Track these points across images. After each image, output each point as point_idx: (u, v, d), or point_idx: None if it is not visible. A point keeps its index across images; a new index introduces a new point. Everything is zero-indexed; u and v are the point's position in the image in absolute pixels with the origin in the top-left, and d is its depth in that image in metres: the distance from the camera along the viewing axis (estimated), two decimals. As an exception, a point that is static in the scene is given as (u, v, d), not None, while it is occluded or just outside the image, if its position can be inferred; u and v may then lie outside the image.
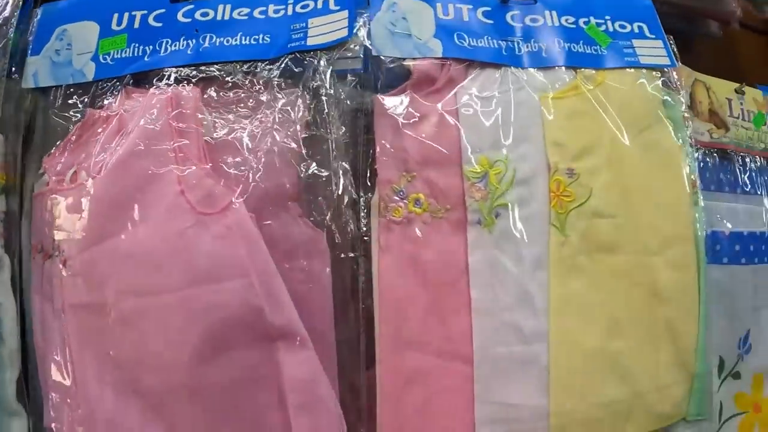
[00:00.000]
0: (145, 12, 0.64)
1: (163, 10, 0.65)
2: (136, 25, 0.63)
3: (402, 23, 0.64)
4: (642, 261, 0.63)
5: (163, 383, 0.50)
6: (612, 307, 0.62)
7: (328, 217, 0.57)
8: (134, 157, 0.53)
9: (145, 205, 0.52)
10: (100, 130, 0.57)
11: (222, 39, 0.62)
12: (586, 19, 0.70)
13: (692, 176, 0.67)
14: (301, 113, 0.58)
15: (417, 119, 0.62)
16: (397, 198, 0.62)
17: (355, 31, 0.61)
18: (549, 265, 0.61)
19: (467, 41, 0.67)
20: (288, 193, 0.57)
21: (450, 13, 0.68)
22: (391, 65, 0.64)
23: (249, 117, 0.58)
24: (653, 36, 0.70)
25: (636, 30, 0.70)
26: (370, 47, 0.61)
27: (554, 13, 0.70)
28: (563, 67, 0.67)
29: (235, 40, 0.62)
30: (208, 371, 0.50)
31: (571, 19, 0.70)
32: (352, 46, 0.61)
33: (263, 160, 0.56)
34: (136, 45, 0.62)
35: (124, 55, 0.63)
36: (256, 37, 0.62)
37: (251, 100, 0.59)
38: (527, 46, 0.68)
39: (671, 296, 0.62)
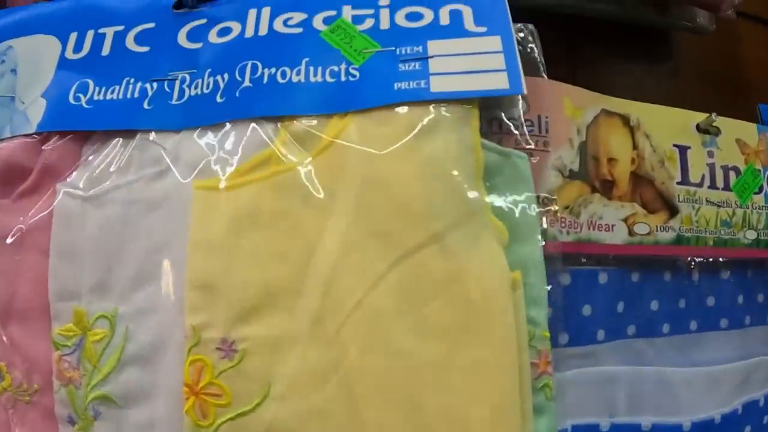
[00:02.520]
0: None
1: None
2: None
3: (8, 79, 0.34)
4: None
5: None
6: None
7: None
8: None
9: None
10: None
11: None
12: (330, 13, 0.30)
13: (538, 348, 0.27)
14: None
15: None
16: (-28, 367, 0.30)
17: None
18: None
19: (91, 93, 0.31)
20: None
21: (85, 47, 0.33)
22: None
23: None
24: (482, 29, 0.29)
25: (443, 20, 0.29)
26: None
27: (266, 10, 0.31)
28: (263, 121, 0.29)
29: None
30: None
31: (299, 17, 0.30)
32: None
33: None
34: None
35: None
36: None
37: None
38: (197, 87, 0.30)
39: None
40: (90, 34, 0.33)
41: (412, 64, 0.28)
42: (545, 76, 0.29)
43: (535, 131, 0.29)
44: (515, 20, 0.29)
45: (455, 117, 0.27)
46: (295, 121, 0.28)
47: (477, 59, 0.28)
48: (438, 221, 0.26)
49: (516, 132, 0.28)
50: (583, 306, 0.32)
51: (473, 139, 0.27)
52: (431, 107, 0.27)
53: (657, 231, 0.33)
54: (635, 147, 0.34)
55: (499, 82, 0.27)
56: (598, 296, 0.33)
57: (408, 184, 0.26)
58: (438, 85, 0.27)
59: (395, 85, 0.27)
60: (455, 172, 0.26)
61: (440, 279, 0.26)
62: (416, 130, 0.26)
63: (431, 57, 0.28)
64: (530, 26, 0.30)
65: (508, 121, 0.28)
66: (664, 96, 0.39)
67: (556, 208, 0.29)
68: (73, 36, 0.33)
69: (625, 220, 0.33)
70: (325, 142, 0.27)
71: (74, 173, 0.30)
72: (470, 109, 0.27)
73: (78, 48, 0.33)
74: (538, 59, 0.29)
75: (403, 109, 0.27)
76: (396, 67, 0.28)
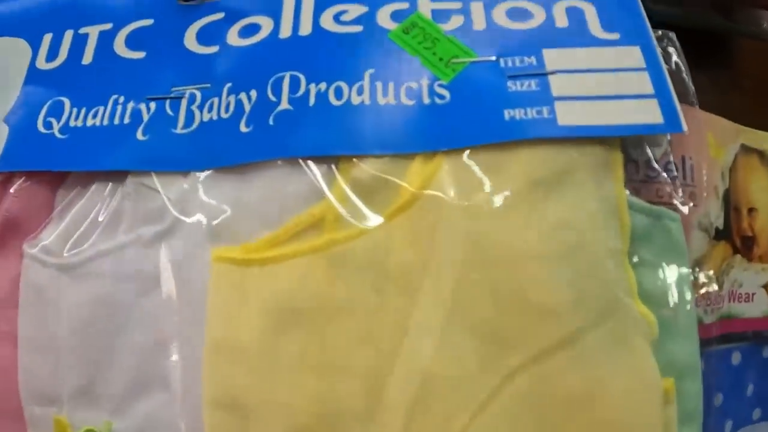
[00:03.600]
0: None
1: None
2: None
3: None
4: None
5: None
6: None
7: None
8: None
9: None
10: None
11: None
12: (402, 6, 0.21)
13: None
14: None
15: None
16: None
17: None
18: None
19: (67, 117, 0.22)
20: None
21: (61, 53, 0.23)
22: None
23: None
24: (614, 36, 0.21)
25: (560, 21, 0.20)
26: None
27: (309, 0, 0.21)
28: (311, 162, 0.19)
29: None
30: None
31: (357, 11, 0.21)
32: None
33: None
34: None
35: None
36: None
37: None
38: (212, 109, 0.20)
39: None
40: (68, 35, 0.24)
41: (526, 82, 0.19)
42: (696, 104, 0.21)
43: (679, 178, 0.21)
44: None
45: (592, 163, 0.18)
46: (360, 164, 0.19)
47: (614, 79, 0.19)
48: (572, 316, 0.17)
49: (670, 180, 0.19)
50: (716, 395, 0.24)
51: (617, 196, 0.18)
52: (560, 148, 0.18)
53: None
54: (775, 189, 0.26)
55: (650, 114, 0.18)
56: (730, 381, 0.25)
57: (530, 260, 0.17)
58: (568, 116, 0.18)
59: (506, 113, 0.18)
60: (596, 245, 0.18)
61: (573, 397, 0.17)
62: (540, 182, 0.18)
63: (551, 73, 0.19)
64: (670, 34, 0.21)
65: (655, 166, 0.19)
66: (725, 107, 0.32)
67: (707, 281, 0.20)
68: (47, 38, 0.24)
69: (765, 287, 0.25)
70: (406, 195, 0.18)
71: (45, 230, 0.21)
72: (613, 152, 0.18)
73: (53, 54, 0.23)
74: (686, 80, 0.21)
75: (520, 150, 0.18)
76: (503, 85, 0.19)
